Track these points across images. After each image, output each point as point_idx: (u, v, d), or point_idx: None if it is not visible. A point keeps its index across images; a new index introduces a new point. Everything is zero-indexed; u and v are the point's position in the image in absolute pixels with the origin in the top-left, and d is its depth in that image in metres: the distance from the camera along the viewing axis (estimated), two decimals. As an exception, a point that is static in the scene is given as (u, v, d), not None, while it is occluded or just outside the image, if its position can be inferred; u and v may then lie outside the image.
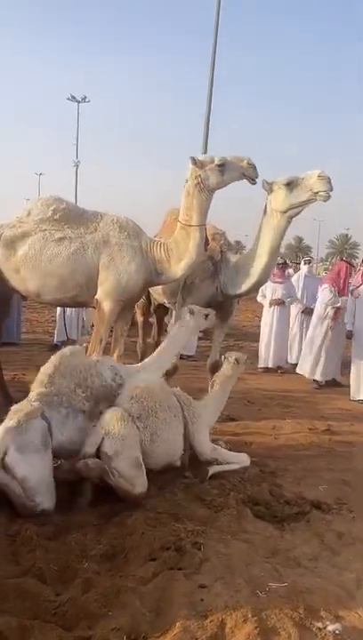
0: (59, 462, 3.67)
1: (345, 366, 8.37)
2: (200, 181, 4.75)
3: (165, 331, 7.66)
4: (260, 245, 5.16)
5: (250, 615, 2.46)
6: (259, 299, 9.50)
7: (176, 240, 4.95)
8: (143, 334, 6.99)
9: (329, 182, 4.74)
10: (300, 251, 75.52)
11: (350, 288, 7.83)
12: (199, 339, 9.92)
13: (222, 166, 4.73)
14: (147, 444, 3.66)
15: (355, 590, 2.83)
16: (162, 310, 6.94)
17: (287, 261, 11.02)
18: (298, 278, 10.10)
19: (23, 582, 2.65)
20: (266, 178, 4.97)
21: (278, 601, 2.62)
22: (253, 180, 4.88)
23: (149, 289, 5.79)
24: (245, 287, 5.35)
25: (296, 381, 8.50)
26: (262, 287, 8.80)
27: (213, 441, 4.53)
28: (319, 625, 2.50)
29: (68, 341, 8.88)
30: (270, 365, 9.20)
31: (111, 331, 5.25)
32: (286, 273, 9.90)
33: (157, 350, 4.82)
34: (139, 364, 4.74)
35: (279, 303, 9.20)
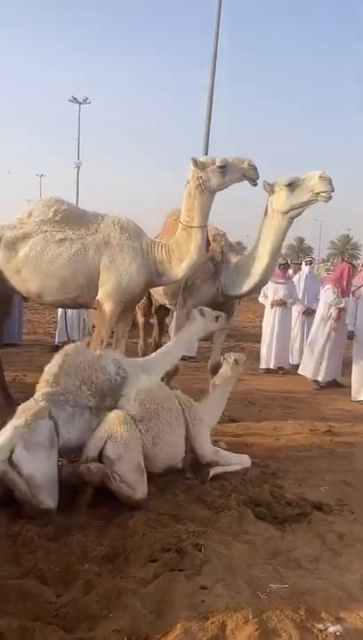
0: (60, 463, 3.68)
1: (346, 367, 8.37)
2: (201, 183, 4.76)
3: (166, 332, 7.68)
4: (261, 246, 5.16)
5: (251, 616, 2.46)
6: (261, 299, 9.50)
7: (177, 241, 4.96)
8: (144, 335, 6.99)
9: (330, 183, 4.74)
10: (301, 251, 75.50)
11: (352, 289, 7.83)
12: (200, 339, 9.91)
13: (224, 168, 4.73)
14: (149, 447, 3.66)
15: (356, 592, 2.82)
16: (163, 311, 6.94)
17: (289, 262, 11.01)
18: (299, 279, 10.09)
19: (24, 583, 2.65)
20: (266, 178, 4.98)
21: (278, 602, 2.61)
22: (254, 182, 4.89)
23: (150, 290, 5.80)
24: (245, 288, 5.35)
25: (297, 382, 8.50)
26: (264, 288, 8.82)
27: (214, 442, 4.53)
28: (320, 626, 2.49)
29: (70, 342, 8.86)
30: (271, 366, 9.20)
31: (112, 332, 5.25)
32: (288, 274, 9.89)
33: (163, 347, 4.84)
34: (141, 359, 4.79)
35: (281, 304, 9.19)
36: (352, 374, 7.66)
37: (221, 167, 4.73)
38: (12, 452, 3.31)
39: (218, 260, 5.55)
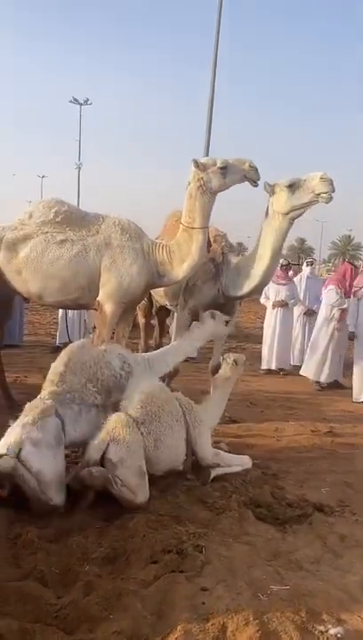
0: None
1: (347, 368, 8.37)
2: (203, 184, 4.77)
3: (167, 333, 7.69)
4: (261, 247, 5.16)
5: (251, 618, 2.45)
6: (262, 300, 9.50)
7: (178, 242, 4.96)
8: (145, 336, 7.00)
9: (331, 184, 4.73)
10: (302, 252, 75.46)
11: (353, 289, 7.83)
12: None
13: (224, 169, 4.74)
14: (151, 450, 3.65)
15: (357, 593, 2.82)
16: (164, 312, 6.95)
17: (290, 262, 11.01)
18: (300, 280, 10.09)
19: (24, 585, 2.64)
20: (266, 178, 4.98)
21: (279, 604, 2.60)
22: (254, 183, 4.89)
23: (151, 291, 5.80)
24: (246, 289, 5.35)
25: (298, 383, 8.49)
26: (266, 289, 8.83)
27: (215, 443, 4.53)
28: (321, 628, 2.48)
29: (70, 343, 8.86)
30: (273, 367, 9.20)
31: (113, 333, 5.25)
32: (289, 274, 9.89)
33: (169, 345, 4.85)
34: (147, 354, 4.81)
35: (283, 305, 9.19)
36: (353, 375, 7.65)
37: (221, 168, 4.73)
38: (20, 450, 3.36)
39: (219, 261, 5.55)
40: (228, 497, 3.79)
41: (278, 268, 9.08)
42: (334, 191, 4.75)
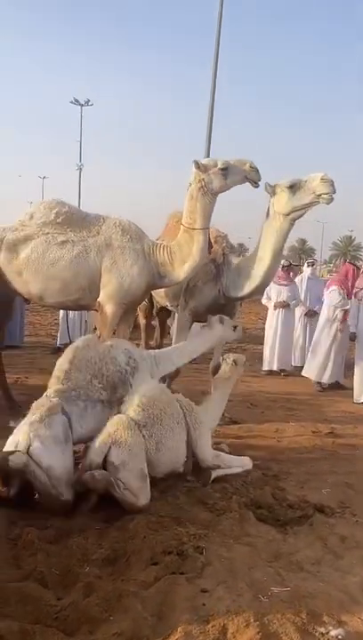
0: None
1: (348, 368, 8.36)
2: (204, 185, 4.76)
3: (168, 333, 7.68)
4: (262, 248, 5.16)
5: (252, 620, 2.45)
6: (264, 301, 9.50)
7: (179, 243, 4.96)
8: (146, 337, 7.00)
9: (332, 185, 4.73)
10: (303, 253, 75.47)
11: (355, 290, 7.82)
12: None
13: (225, 170, 4.74)
14: (152, 452, 3.65)
15: (358, 595, 2.81)
16: (164, 313, 6.95)
17: (292, 263, 11.01)
18: (301, 280, 10.08)
19: (24, 586, 2.64)
20: (266, 178, 4.97)
21: (280, 605, 2.60)
22: (255, 183, 4.89)
23: (152, 292, 5.79)
24: (247, 290, 5.35)
25: (300, 384, 8.48)
26: (267, 289, 8.82)
27: (216, 444, 4.52)
28: (322, 630, 2.48)
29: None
30: (274, 368, 9.19)
31: (114, 333, 5.25)
32: (291, 275, 9.88)
33: (176, 345, 4.85)
34: (152, 351, 4.84)
35: (284, 306, 9.19)
36: (355, 376, 7.64)
37: (222, 169, 4.73)
38: (29, 447, 3.42)
39: (220, 261, 5.55)
40: (228, 498, 3.79)
41: (280, 269, 9.08)
42: (335, 192, 4.74)
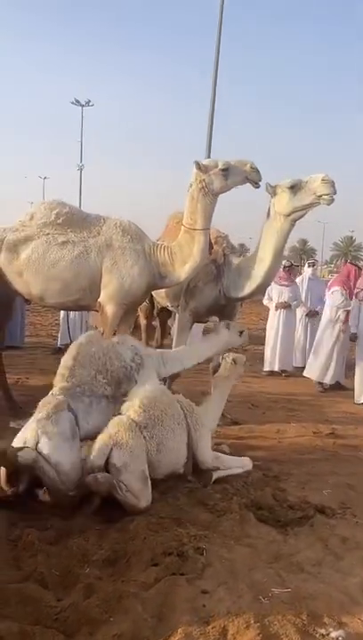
0: None
1: (349, 369, 8.35)
2: (204, 185, 4.77)
3: (169, 334, 7.68)
4: (263, 248, 5.16)
5: (252, 621, 2.44)
6: (265, 302, 9.49)
7: (180, 243, 4.96)
8: (146, 337, 7.00)
9: (333, 186, 4.73)
10: (304, 253, 75.51)
11: (356, 291, 7.81)
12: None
13: (226, 170, 4.74)
14: (153, 454, 3.64)
15: (359, 596, 2.80)
16: (165, 313, 6.95)
17: (293, 264, 10.99)
18: (302, 281, 10.08)
19: (24, 587, 2.64)
20: (266, 178, 4.97)
21: (280, 607, 2.59)
22: (256, 184, 4.89)
23: (152, 292, 5.79)
24: (247, 290, 5.34)
25: (301, 384, 8.47)
26: (268, 290, 8.82)
27: (217, 444, 4.52)
28: (322, 631, 2.47)
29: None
30: (275, 369, 9.18)
31: (114, 334, 5.25)
32: (292, 276, 9.87)
33: (183, 347, 4.85)
34: (160, 350, 4.92)
35: (286, 306, 9.18)
36: (355, 377, 7.63)
37: (223, 170, 4.74)
38: (37, 443, 3.46)
39: (220, 262, 5.55)
40: (229, 499, 3.78)
41: (281, 270, 9.08)
42: (335, 193, 4.74)
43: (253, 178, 4.85)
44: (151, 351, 4.54)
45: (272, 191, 4.99)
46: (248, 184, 4.89)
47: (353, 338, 7.72)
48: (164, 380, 4.78)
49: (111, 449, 3.45)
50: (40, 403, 3.73)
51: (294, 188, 4.85)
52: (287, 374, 9.12)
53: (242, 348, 4.89)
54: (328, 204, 4.79)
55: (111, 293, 4.96)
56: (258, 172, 4.85)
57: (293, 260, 14.59)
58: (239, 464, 4.29)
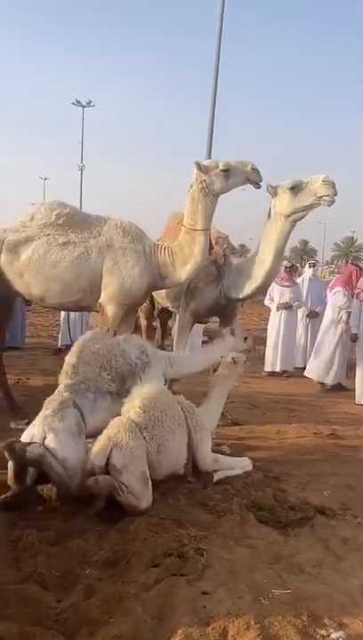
0: None
1: (349, 370, 8.34)
2: (205, 186, 4.79)
3: (169, 334, 7.68)
4: (263, 249, 5.16)
5: (253, 622, 2.44)
6: (266, 302, 9.49)
7: (181, 244, 4.97)
8: (147, 338, 6.96)
9: (334, 187, 4.74)
10: (305, 254, 75.50)
11: (356, 292, 7.81)
12: (203, 342, 9.91)
13: (227, 171, 4.76)
14: (153, 454, 3.64)
15: (359, 597, 2.80)
16: (165, 314, 6.95)
17: (294, 265, 10.99)
18: (303, 281, 10.08)
19: (24, 588, 2.64)
20: (266, 178, 4.99)
21: (281, 608, 2.59)
22: (257, 185, 4.90)
23: (153, 293, 5.80)
24: (248, 291, 5.35)
25: (301, 385, 8.47)
26: (270, 290, 8.83)
27: (217, 445, 4.52)
28: (323, 633, 2.47)
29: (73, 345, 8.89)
30: (277, 370, 9.17)
31: (115, 334, 5.25)
32: (294, 277, 9.87)
33: (191, 353, 4.84)
34: (167, 352, 4.96)
35: (287, 307, 9.18)
36: (356, 377, 7.62)
37: (224, 171, 4.75)
38: (44, 439, 3.51)
39: (221, 262, 5.55)
40: (229, 500, 3.78)
41: (282, 271, 9.09)
42: (336, 194, 4.76)
43: (253, 179, 4.86)
44: (159, 352, 4.56)
45: (273, 192, 5.00)
46: (249, 185, 4.90)
47: (354, 338, 7.71)
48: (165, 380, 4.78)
49: (111, 450, 3.45)
50: (46, 400, 3.79)
51: (295, 188, 4.86)
52: (288, 375, 9.12)
53: (247, 352, 4.87)
54: (329, 205, 4.80)
55: (112, 294, 4.96)
56: (259, 172, 4.86)
57: (294, 261, 14.55)
58: (240, 465, 4.29)
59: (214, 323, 7.05)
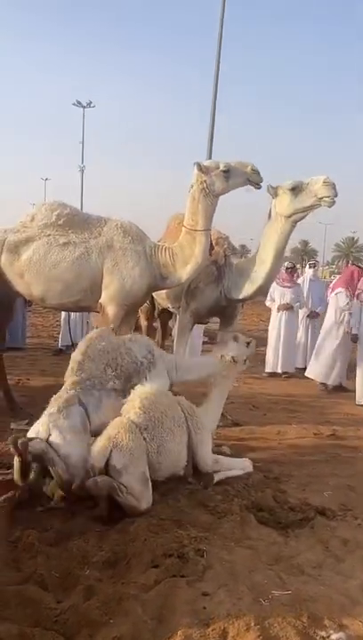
0: None
1: (350, 370, 8.33)
2: (206, 187, 4.79)
3: (170, 335, 7.67)
4: (264, 249, 5.16)
5: (253, 624, 2.43)
6: (267, 303, 9.48)
7: (181, 244, 4.97)
8: (147, 339, 6.98)
9: (334, 188, 4.74)
10: (306, 254, 75.55)
11: (357, 292, 7.80)
12: (204, 342, 9.91)
13: (227, 172, 4.76)
14: (153, 455, 3.63)
15: (360, 598, 2.79)
16: (166, 315, 6.95)
17: (296, 265, 10.99)
18: (303, 282, 10.07)
19: (24, 589, 2.63)
20: (266, 178, 4.99)
21: (281, 609, 2.58)
22: (257, 186, 4.90)
23: (153, 293, 5.80)
24: (249, 291, 5.35)
25: (301, 386, 8.47)
26: (271, 291, 8.83)
27: (217, 446, 4.51)
28: (323, 634, 2.46)
29: (73, 346, 8.89)
30: (278, 370, 9.16)
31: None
32: (295, 277, 9.86)
33: (195, 359, 4.83)
34: (173, 356, 5.01)
35: (288, 308, 9.17)
36: (357, 378, 7.61)
37: (224, 171, 4.76)
38: (48, 436, 3.58)
39: (221, 263, 5.55)
40: (229, 501, 3.77)
41: (284, 271, 9.09)
42: (336, 195, 4.76)
43: (253, 179, 4.86)
44: (165, 355, 4.58)
45: (273, 193, 5.00)
46: (249, 186, 4.90)
47: (354, 339, 7.70)
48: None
49: (111, 451, 3.44)
50: (52, 398, 3.83)
51: (296, 189, 4.86)
52: (288, 375, 9.11)
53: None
54: (329, 207, 4.80)
55: (112, 294, 4.97)
56: (259, 173, 4.87)
57: (295, 262, 14.59)
58: (240, 466, 4.28)
59: (215, 323, 7.05)
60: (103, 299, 5.00)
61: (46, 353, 9.70)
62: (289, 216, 4.96)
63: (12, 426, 5.09)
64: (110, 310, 4.99)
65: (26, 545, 3.03)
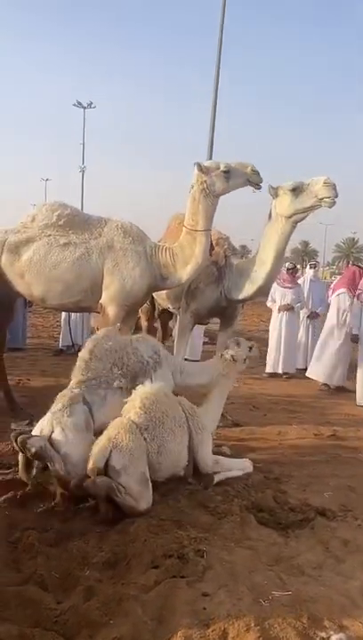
0: None
1: (350, 371, 8.33)
2: (206, 187, 4.80)
3: (170, 335, 7.68)
4: (264, 250, 5.16)
5: (253, 624, 2.43)
6: (268, 304, 9.48)
7: (182, 245, 4.97)
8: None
9: (335, 189, 4.74)
10: (306, 255, 75.54)
11: (357, 292, 7.80)
12: (204, 343, 9.93)
13: (227, 172, 4.77)
14: (154, 455, 3.63)
15: (360, 599, 2.78)
16: (166, 315, 6.95)
17: (297, 266, 10.99)
18: (304, 282, 10.07)
19: (24, 590, 2.63)
20: (266, 178, 5.00)
21: (281, 610, 2.58)
22: (257, 186, 4.91)
23: (153, 294, 5.80)
24: (249, 292, 5.35)
25: (302, 386, 8.47)
26: (272, 292, 8.84)
27: (218, 446, 4.51)
28: (323, 635, 2.46)
29: (74, 346, 8.92)
30: (279, 371, 9.16)
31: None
32: (296, 278, 9.86)
33: (202, 363, 4.92)
34: (180, 361, 4.99)
35: (289, 309, 9.17)
36: (357, 379, 7.60)
37: (224, 172, 4.76)
38: (51, 434, 3.61)
39: (221, 263, 5.55)
40: (230, 501, 3.76)
41: (284, 272, 9.09)
42: (337, 196, 4.76)
43: (254, 180, 4.86)
44: (171, 357, 4.61)
45: (274, 193, 5.00)
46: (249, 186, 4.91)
47: (355, 339, 7.70)
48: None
49: (111, 451, 3.44)
50: (58, 396, 3.86)
51: (296, 190, 4.86)
52: (288, 376, 9.11)
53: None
54: (330, 207, 4.80)
55: (113, 295, 4.97)
56: (259, 174, 4.87)
57: (295, 262, 14.60)
58: (240, 466, 4.28)
59: (215, 324, 7.05)
60: (104, 299, 5.01)
61: (47, 353, 9.70)
62: (290, 217, 4.96)
63: (13, 426, 5.08)
64: (111, 311, 5.00)
65: (26, 545, 3.03)
